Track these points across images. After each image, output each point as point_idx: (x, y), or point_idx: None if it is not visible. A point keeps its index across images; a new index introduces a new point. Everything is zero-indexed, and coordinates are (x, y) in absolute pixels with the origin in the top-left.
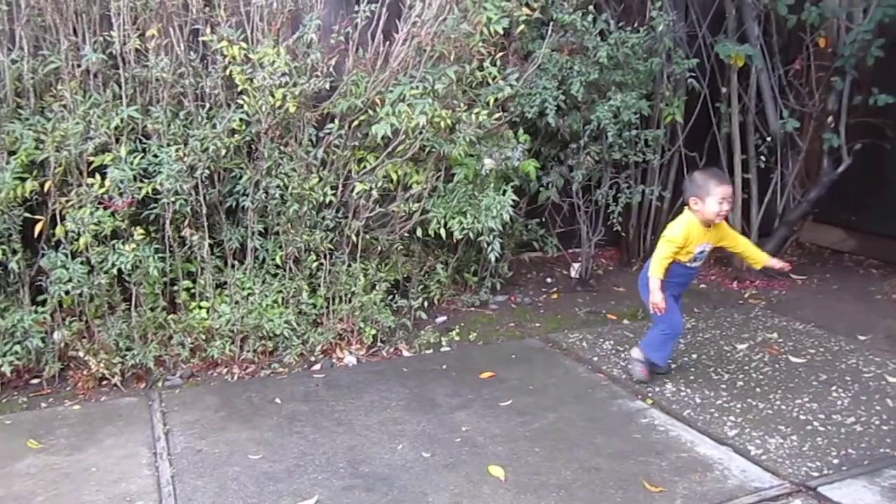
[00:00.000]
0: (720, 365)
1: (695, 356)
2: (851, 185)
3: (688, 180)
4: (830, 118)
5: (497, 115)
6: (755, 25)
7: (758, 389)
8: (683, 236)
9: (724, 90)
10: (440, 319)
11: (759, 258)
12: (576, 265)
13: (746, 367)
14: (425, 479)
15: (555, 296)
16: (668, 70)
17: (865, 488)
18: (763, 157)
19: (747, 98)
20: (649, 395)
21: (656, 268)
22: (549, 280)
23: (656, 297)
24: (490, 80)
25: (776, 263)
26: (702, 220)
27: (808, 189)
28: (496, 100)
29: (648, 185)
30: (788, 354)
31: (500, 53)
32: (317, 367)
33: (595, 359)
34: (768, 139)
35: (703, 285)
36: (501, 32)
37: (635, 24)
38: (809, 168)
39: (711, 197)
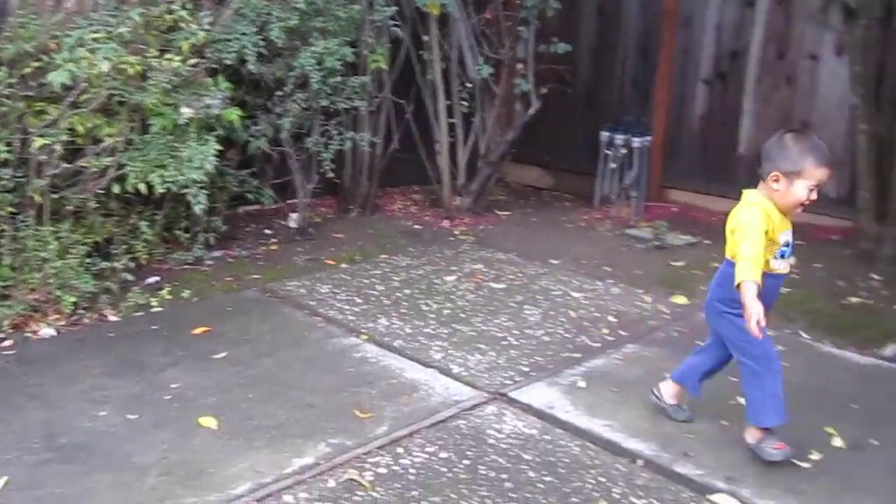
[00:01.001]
0: (430, 297)
1: (407, 291)
2: (545, 127)
3: (773, 145)
4: (520, 65)
5: (193, 62)
6: None
7: (462, 315)
8: (763, 220)
9: (425, 38)
10: (151, 280)
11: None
12: (294, 215)
13: (453, 297)
14: (130, 441)
15: (274, 247)
16: (370, 17)
17: (548, 388)
18: (465, 103)
19: (448, 46)
20: (363, 331)
21: (750, 267)
22: (267, 232)
23: (754, 311)
24: (182, 25)
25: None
26: (780, 206)
27: (505, 131)
28: (192, 45)
29: (359, 132)
30: (491, 282)
31: None
32: (7, 343)
33: (313, 303)
34: (468, 85)
35: (417, 226)
36: None
37: None
38: (509, 112)
39: (804, 181)
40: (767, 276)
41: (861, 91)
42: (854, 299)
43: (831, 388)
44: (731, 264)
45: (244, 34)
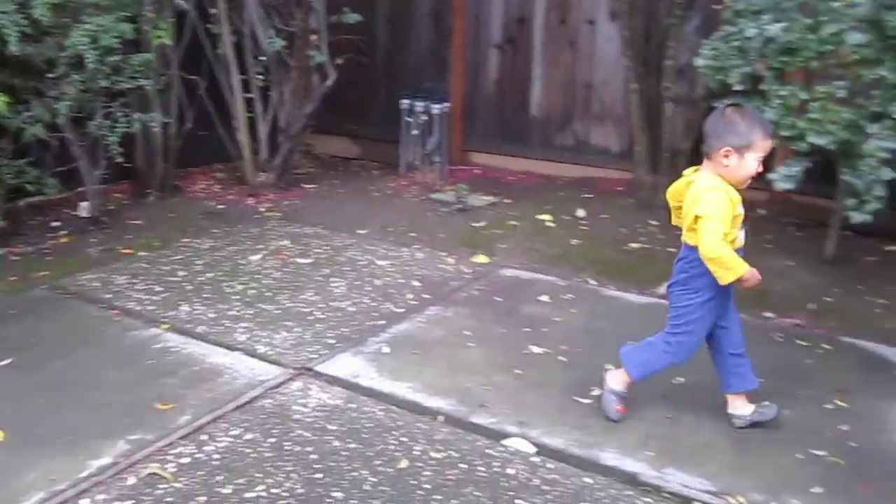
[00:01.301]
0: (234, 278)
1: (211, 275)
2: (348, 97)
3: (718, 121)
4: (314, 36)
5: None
6: None
7: (268, 294)
8: (728, 207)
9: (213, 11)
10: None
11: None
12: (84, 204)
13: (258, 276)
14: None
15: (64, 240)
16: None
17: (353, 358)
18: (261, 77)
19: (239, 19)
20: (164, 320)
21: (732, 267)
22: (55, 224)
23: (752, 274)
24: None
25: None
26: (732, 180)
27: (304, 104)
28: None
29: (148, 112)
30: (297, 257)
31: None
32: None
33: (109, 296)
34: (262, 59)
35: (220, 206)
36: None
37: None
38: (306, 84)
39: (754, 153)
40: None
41: (630, 54)
42: (635, 245)
43: (613, 328)
44: (692, 248)
45: (3, 12)
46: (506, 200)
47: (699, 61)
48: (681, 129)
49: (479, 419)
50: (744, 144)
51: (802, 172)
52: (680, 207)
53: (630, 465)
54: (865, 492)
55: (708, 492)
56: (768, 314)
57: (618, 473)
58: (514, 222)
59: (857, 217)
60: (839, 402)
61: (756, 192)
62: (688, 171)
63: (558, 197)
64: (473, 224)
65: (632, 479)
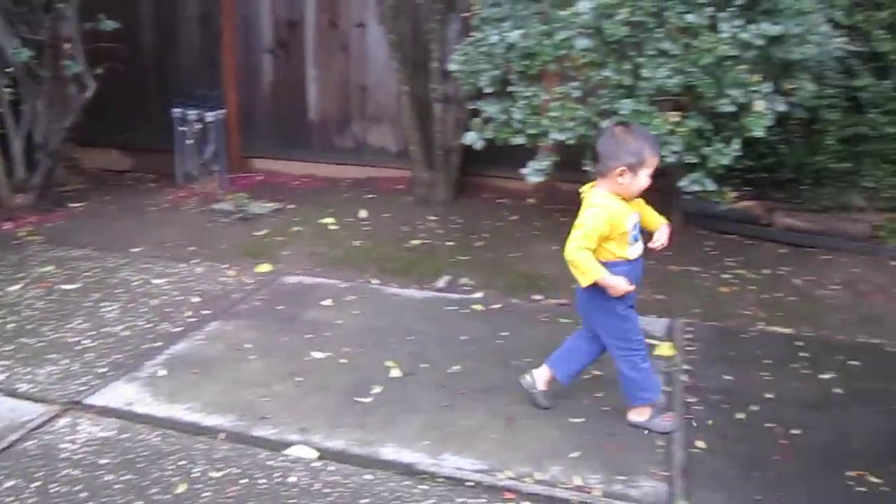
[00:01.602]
0: None
1: None
2: (118, 107)
3: (610, 141)
4: (67, 45)
5: None
6: None
7: (29, 326)
8: (605, 222)
9: None
10: None
11: (655, 222)
12: None
13: (18, 308)
14: None
15: None
16: None
17: (127, 385)
18: (10, 90)
19: None
20: None
21: (589, 272)
22: None
23: (618, 282)
24: None
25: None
26: (627, 196)
27: (62, 117)
28: None
29: None
30: (63, 283)
31: None
32: None
33: None
34: (9, 70)
35: None
36: None
37: None
38: (63, 96)
39: (646, 169)
40: (627, 263)
41: (398, 56)
42: (415, 241)
43: (394, 324)
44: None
45: None
46: (289, 206)
47: (452, 66)
48: (451, 127)
49: (260, 431)
50: (637, 162)
51: (551, 165)
52: None
53: (408, 456)
54: (614, 450)
55: (479, 471)
56: (537, 297)
57: (397, 466)
58: (298, 227)
59: None
60: (596, 372)
61: (525, 183)
62: (584, 188)
63: (341, 199)
64: (255, 233)
65: (409, 470)
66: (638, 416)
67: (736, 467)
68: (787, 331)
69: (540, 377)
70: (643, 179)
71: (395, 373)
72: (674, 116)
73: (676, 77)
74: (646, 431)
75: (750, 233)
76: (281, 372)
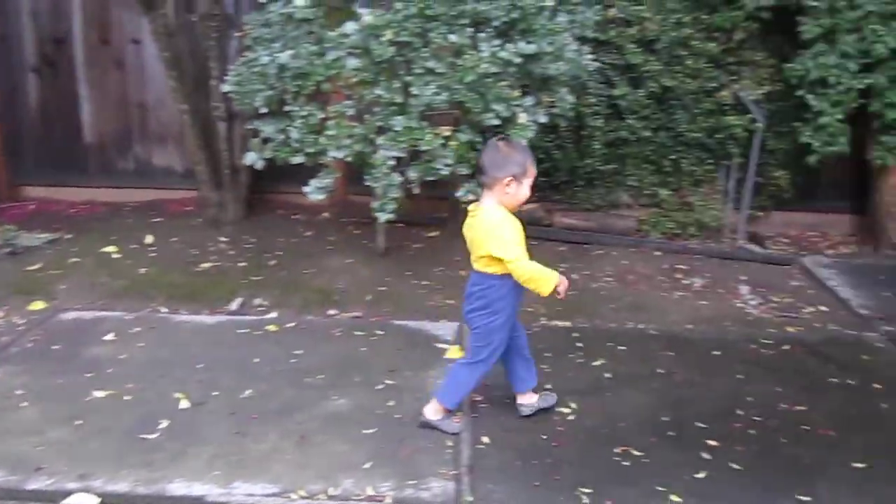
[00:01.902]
0: None
1: None
2: None
3: (496, 154)
4: None
5: None
6: None
7: None
8: (518, 231)
9: None
10: None
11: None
12: None
13: None
14: None
15: None
16: None
17: None
18: None
19: None
20: None
21: (544, 279)
22: None
23: (561, 281)
24: None
25: None
26: (511, 206)
27: None
28: None
29: None
30: None
31: None
32: None
33: None
34: None
35: None
36: None
37: None
38: None
39: (528, 179)
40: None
41: (175, 74)
42: (206, 264)
43: (183, 354)
44: (483, 275)
45: None
46: (66, 236)
47: (226, 87)
48: (237, 145)
49: (34, 484)
50: (521, 172)
51: (333, 183)
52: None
53: (198, 489)
54: (406, 456)
55: (271, 494)
56: (332, 311)
57: (185, 501)
58: (76, 259)
59: (381, 216)
60: (388, 381)
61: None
62: (471, 207)
63: (125, 225)
64: (28, 267)
65: (199, 503)
66: (434, 414)
67: (518, 458)
68: (566, 324)
69: (528, 400)
70: (525, 189)
71: (184, 404)
72: (445, 131)
73: (444, 94)
74: (436, 431)
75: (534, 234)
76: (58, 417)
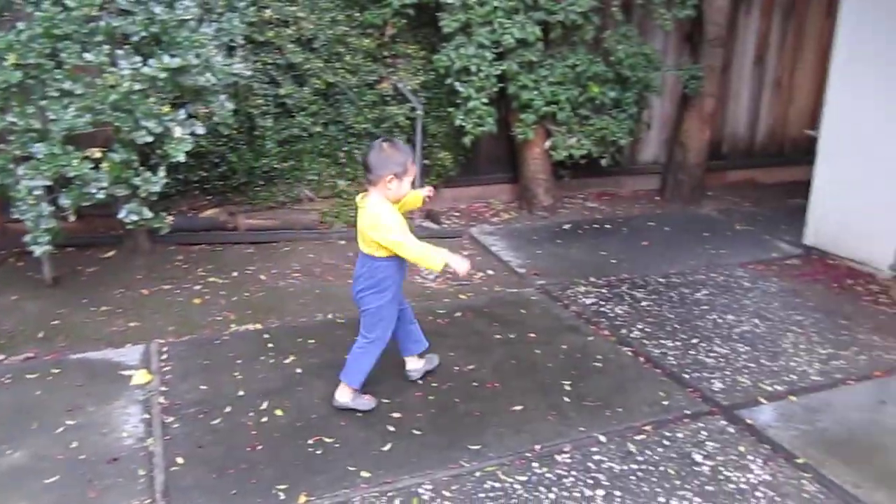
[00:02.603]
0: None
1: None
2: None
3: (380, 154)
4: None
5: None
6: None
7: None
8: (399, 217)
9: None
10: None
11: (418, 199)
12: None
13: None
14: None
15: None
16: None
17: None
18: None
19: None
20: None
21: (430, 255)
22: None
23: (460, 261)
24: None
25: (427, 191)
26: (393, 200)
27: None
28: None
29: None
30: None
31: None
32: None
33: None
34: None
35: None
36: None
37: None
38: None
39: (409, 177)
40: (397, 257)
41: None
42: None
43: None
44: (371, 258)
45: None
46: None
47: None
48: None
49: None
50: (402, 171)
51: None
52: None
53: None
54: (97, 495)
55: None
56: None
57: None
58: None
59: (37, 249)
60: (69, 422)
61: None
62: (359, 198)
63: None
64: None
65: None
66: (345, 396)
67: (213, 471)
68: (257, 326)
69: (415, 365)
70: (406, 185)
71: None
72: (95, 153)
73: (87, 115)
74: (127, 467)
75: (218, 239)
76: None
